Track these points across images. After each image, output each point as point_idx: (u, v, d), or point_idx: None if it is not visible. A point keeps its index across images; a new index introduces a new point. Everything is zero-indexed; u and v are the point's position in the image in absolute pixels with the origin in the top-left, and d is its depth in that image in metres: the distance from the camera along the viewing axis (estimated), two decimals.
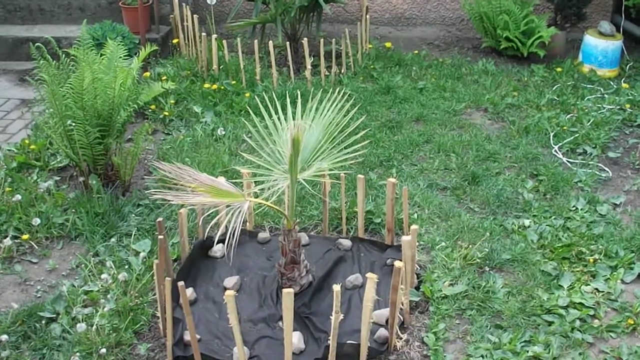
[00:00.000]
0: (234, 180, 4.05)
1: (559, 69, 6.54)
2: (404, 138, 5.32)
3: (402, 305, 3.40)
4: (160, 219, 3.50)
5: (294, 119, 3.62)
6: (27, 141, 5.09)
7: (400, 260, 3.79)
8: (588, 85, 6.28)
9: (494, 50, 7.08)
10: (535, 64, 6.71)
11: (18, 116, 5.92)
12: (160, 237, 3.37)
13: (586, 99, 6.01)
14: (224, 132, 5.34)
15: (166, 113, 5.66)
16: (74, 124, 4.19)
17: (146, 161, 5.07)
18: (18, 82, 6.64)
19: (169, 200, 3.08)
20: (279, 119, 3.63)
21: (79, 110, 4.19)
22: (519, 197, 4.57)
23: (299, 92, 3.91)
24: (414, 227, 3.48)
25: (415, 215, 4.35)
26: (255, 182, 3.85)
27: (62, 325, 3.43)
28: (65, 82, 4.23)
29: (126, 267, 3.83)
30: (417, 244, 4.07)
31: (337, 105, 3.61)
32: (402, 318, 3.45)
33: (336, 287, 2.96)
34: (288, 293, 2.92)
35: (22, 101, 6.22)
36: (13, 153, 5.02)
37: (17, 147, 5.07)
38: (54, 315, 3.50)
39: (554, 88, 6.21)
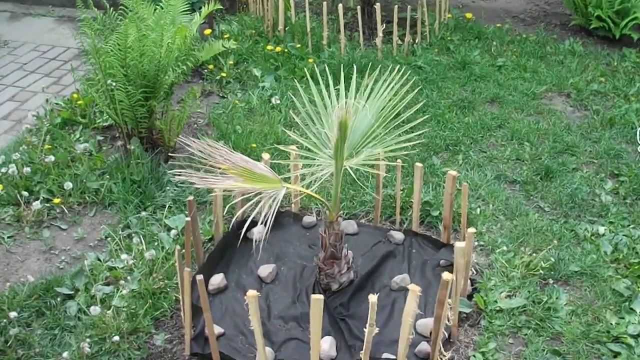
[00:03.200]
0: (277, 162, 3.73)
1: None
2: (475, 120, 4.86)
3: (449, 320, 3.02)
4: (190, 197, 3.19)
5: (346, 97, 3.24)
6: (75, 95, 4.86)
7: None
8: None
9: (583, 29, 6.48)
10: (628, 47, 6.10)
11: (75, 67, 5.70)
12: (188, 219, 3.07)
13: None
14: (279, 101, 5.00)
15: (224, 74, 5.35)
16: (115, 84, 3.91)
17: (195, 125, 4.78)
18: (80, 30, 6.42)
19: (193, 183, 2.76)
20: (329, 95, 3.25)
21: (122, 69, 3.90)
22: (596, 199, 4.09)
23: (355, 67, 3.51)
24: (470, 230, 3.08)
25: (478, 211, 3.93)
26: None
27: (78, 303, 3.18)
28: (110, 38, 3.94)
29: (156, 243, 3.56)
30: (476, 244, 3.68)
31: (395, 85, 3.21)
32: (446, 334, 3.07)
33: (372, 298, 2.60)
34: (317, 300, 2.58)
35: (82, 51, 6.00)
36: (60, 107, 4.80)
37: (65, 102, 4.85)
38: (72, 292, 3.26)
39: None
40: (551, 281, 3.46)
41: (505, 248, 3.62)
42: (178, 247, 2.92)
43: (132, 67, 3.92)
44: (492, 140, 4.69)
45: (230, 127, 4.63)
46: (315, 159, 3.17)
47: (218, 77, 5.34)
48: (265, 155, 3.58)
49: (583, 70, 5.69)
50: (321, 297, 2.58)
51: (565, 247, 3.68)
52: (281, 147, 3.47)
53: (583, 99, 5.25)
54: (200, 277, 2.70)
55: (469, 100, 5.12)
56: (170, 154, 4.16)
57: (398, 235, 3.72)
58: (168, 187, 3.99)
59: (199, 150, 2.88)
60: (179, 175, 2.78)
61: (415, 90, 3.54)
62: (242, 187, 2.85)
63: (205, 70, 5.41)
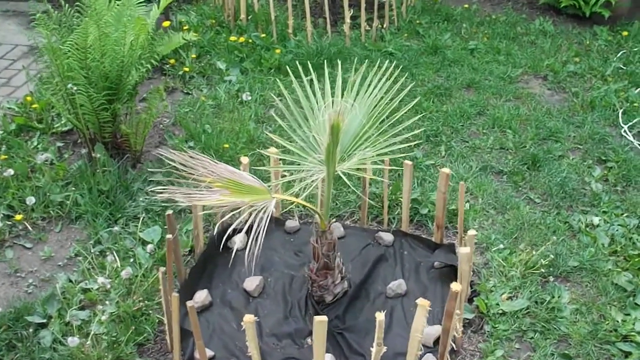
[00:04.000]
0: (256, 168, 3.49)
1: (624, 33, 5.81)
2: (454, 108, 4.68)
3: (457, 332, 2.84)
4: (170, 211, 2.93)
5: (332, 95, 3.01)
6: (29, 98, 4.52)
7: (450, 266, 3.26)
8: None
9: (552, 8, 6.34)
10: (598, 25, 5.97)
11: (26, 66, 5.34)
12: (169, 237, 2.81)
13: None
14: (250, 97, 4.74)
15: (186, 69, 5.06)
16: (75, 88, 3.61)
17: (161, 126, 4.50)
18: (29, 26, 6.04)
19: (177, 201, 2.52)
20: (314, 94, 3.01)
21: (82, 70, 3.61)
22: (586, 187, 3.96)
23: (339, 62, 3.28)
24: (471, 232, 2.90)
25: (467, 205, 3.75)
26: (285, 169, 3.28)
27: (53, 333, 2.91)
28: (67, 38, 3.64)
29: (131, 260, 3.30)
30: None
31: (385, 80, 3.00)
32: (453, 345, 2.89)
33: (380, 316, 2.40)
34: (321, 322, 2.37)
35: (32, 49, 5.64)
36: (13, 112, 4.47)
37: (18, 106, 4.51)
38: (45, 320, 2.98)
39: (618, 54, 5.49)
40: (552, 279, 3.32)
41: (501, 246, 3.46)
42: (162, 269, 2.67)
43: (93, 68, 3.63)
44: (473, 128, 4.52)
45: (199, 126, 4.37)
46: (301, 164, 2.94)
47: (180, 72, 5.05)
48: (244, 160, 3.34)
49: (556, 51, 5.55)
50: (325, 318, 2.38)
51: (561, 241, 3.53)
52: (263, 151, 3.22)
53: (560, 81, 5.11)
54: (191, 303, 2.47)
55: (445, 87, 4.94)
56: (149, 170, 3.85)
57: (387, 237, 3.53)
58: (139, 196, 3.72)
59: (181, 164, 2.63)
60: (161, 193, 2.52)
61: (408, 87, 3.33)
62: (230, 202, 2.61)
63: (167, 66, 5.11)
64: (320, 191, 3.34)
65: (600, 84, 5.03)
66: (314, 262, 3.06)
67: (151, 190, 2.80)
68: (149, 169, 3.86)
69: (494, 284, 3.26)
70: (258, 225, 2.60)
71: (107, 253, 3.33)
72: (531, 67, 5.29)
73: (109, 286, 3.04)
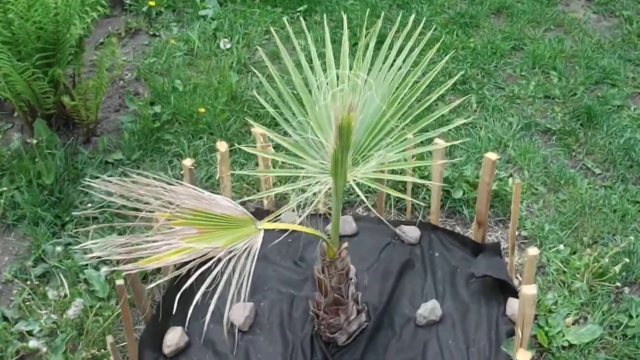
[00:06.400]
0: (239, 172, 2.70)
1: None
2: (483, 44, 3.80)
3: None
4: (119, 281, 2.07)
5: (337, 65, 2.16)
6: None
7: (494, 278, 2.51)
8: None
9: None
10: None
11: None
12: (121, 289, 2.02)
13: None
14: (229, 45, 3.83)
15: (152, 3, 4.13)
16: None
17: (122, 82, 3.63)
18: None
19: (122, 269, 1.72)
20: (312, 67, 2.16)
21: (4, 30, 2.73)
22: None
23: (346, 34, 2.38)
24: (533, 251, 2.13)
25: (510, 180, 2.95)
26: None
27: None
28: None
29: (83, 286, 2.52)
30: (516, 234, 2.71)
31: (413, 46, 2.14)
32: None
33: None
34: None
35: None
36: None
37: None
38: None
39: None
40: (626, 290, 2.55)
41: (561, 246, 2.67)
42: (110, 338, 1.90)
43: (17, 26, 2.75)
44: (508, 70, 3.65)
45: (168, 82, 3.50)
46: (302, 168, 2.12)
47: (145, 8, 4.11)
48: (222, 146, 2.53)
49: None
50: None
51: (630, 228, 2.76)
52: (247, 148, 2.35)
53: (608, 2, 4.19)
54: None
55: (470, 15, 4.03)
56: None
57: (412, 232, 2.74)
58: (92, 188, 2.89)
59: (121, 195, 1.81)
60: (92, 253, 1.72)
61: (448, 56, 2.43)
62: (197, 252, 1.81)
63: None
64: (322, 204, 2.52)
65: None
66: (320, 295, 2.28)
67: (73, 250, 1.98)
68: (118, 108, 3.01)
69: (554, 299, 2.50)
70: (240, 275, 1.83)
71: (51, 275, 2.55)
72: None
73: (44, 350, 2.26)
